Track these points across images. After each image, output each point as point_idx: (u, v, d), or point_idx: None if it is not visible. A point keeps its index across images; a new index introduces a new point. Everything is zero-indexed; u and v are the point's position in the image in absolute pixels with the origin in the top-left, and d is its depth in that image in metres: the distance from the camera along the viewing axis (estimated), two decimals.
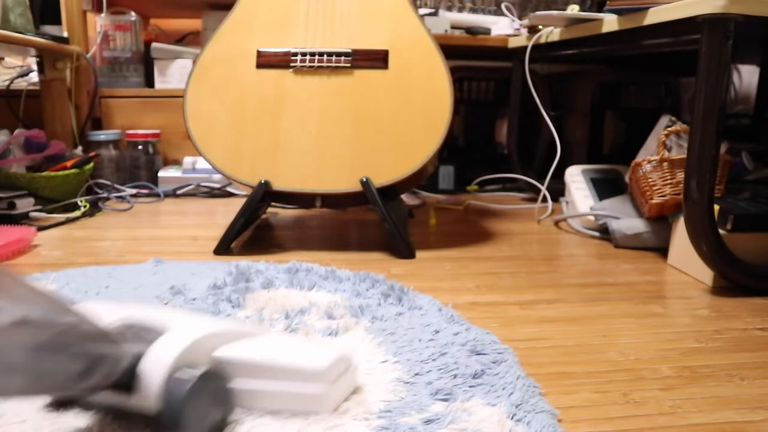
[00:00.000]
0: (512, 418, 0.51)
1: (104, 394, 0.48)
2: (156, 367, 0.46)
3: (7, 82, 1.67)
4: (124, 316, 0.51)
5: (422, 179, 1.13)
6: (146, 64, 1.75)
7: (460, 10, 1.89)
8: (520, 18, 1.76)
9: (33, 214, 1.26)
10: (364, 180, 1.03)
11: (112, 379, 0.45)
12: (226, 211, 1.39)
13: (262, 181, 1.03)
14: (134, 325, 0.50)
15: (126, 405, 0.48)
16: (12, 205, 1.22)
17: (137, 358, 0.47)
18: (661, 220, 1.11)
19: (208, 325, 0.51)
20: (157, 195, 1.55)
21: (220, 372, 0.49)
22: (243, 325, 0.56)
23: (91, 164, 1.42)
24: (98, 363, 0.44)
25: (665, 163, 1.06)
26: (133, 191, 1.55)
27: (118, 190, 1.53)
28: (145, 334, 0.49)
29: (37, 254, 1.01)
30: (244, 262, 0.94)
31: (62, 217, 1.28)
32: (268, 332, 0.58)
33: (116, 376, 0.46)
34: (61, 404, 0.52)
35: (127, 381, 0.47)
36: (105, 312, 0.51)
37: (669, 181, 1.05)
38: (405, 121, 1.04)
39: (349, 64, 1.06)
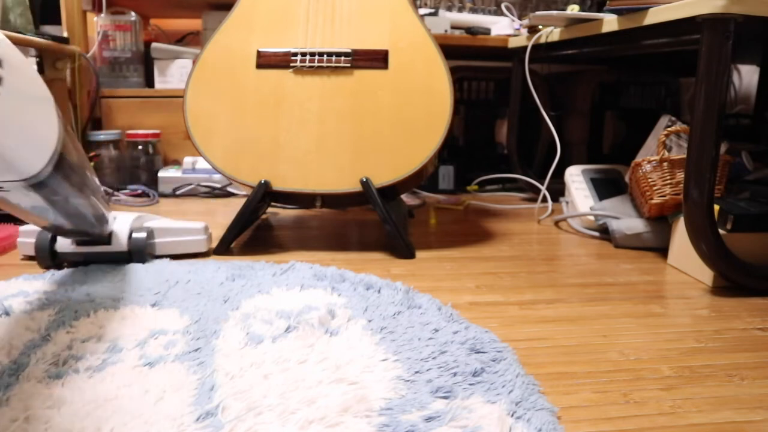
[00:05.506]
0: (512, 415, 0.51)
1: (94, 248, 0.91)
2: (123, 228, 0.92)
3: None
4: None
5: (422, 179, 1.13)
6: (146, 64, 1.75)
7: (460, 10, 1.90)
8: (520, 18, 1.76)
9: None
10: (364, 180, 1.03)
11: (107, 232, 0.89)
12: (226, 211, 1.39)
13: (262, 181, 1.03)
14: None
15: (109, 250, 0.91)
16: None
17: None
18: (661, 220, 1.11)
19: (135, 214, 0.96)
20: (148, 195, 1.54)
21: (151, 233, 0.95)
22: (151, 215, 1.01)
23: (91, 164, 1.42)
24: (104, 219, 0.85)
25: (665, 163, 1.06)
26: (129, 195, 1.55)
27: (115, 193, 1.53)
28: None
29: None
30: (243, 261, 0.94)
31: None
32: (162, 217, 1.03)
33: (108, 231, 0.90)
34: (59, 265, 0.92)
35: (108, 238, 0.91)
36: None
37: (669, 181, 1.05)
38: (405, 121, 1.04)
39: (349, 64, 1.06)
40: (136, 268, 0.89)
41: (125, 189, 1.56)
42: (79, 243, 0.91)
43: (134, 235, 0.92)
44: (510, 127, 1.64)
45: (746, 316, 0.79)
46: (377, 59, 1.06)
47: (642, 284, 0.92)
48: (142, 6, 1.74)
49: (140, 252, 0.92)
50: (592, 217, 1.21)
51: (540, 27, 1.36)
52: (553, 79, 1.84)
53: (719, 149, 0.85)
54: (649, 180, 1.08)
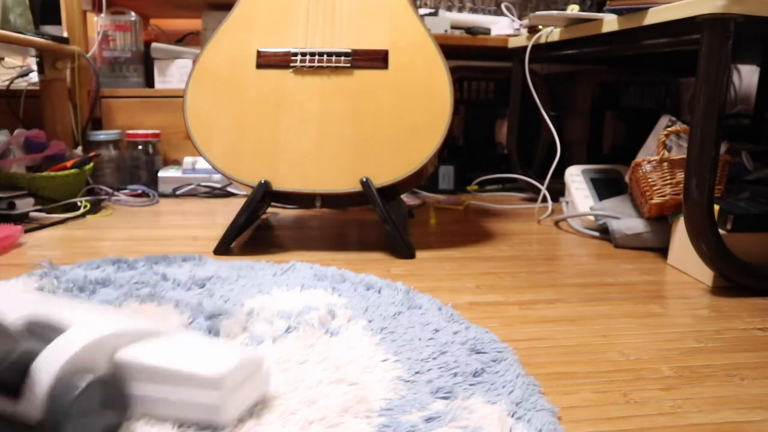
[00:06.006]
0: (512, 415, 0.51)
1: None
2: (47, 368, 0.42)
3: (7, 82, 1.67)
4: (32, 312, 0.48)
5: (422, 179, 1.13)
6: (146, 64, 1.75)
7: (460, 10, 1.90)
8: (520, 18, 1.76)
9: (33, 215, 1.26)
10: (364, 180, 1.03)
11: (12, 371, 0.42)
12: (226, 211, 1.39)
13: (262, 181, 1.03)
14: (38, 322, 0.47)
15: (7, 411, 0.43)
16: (12, 206, 1.22)
17: (30, 355, 0.43)
18: (661, 220, 1.11)
19: (111, 325, 0.48)
20: (148, 195, 1.54)
21: (116, 376, 0.45)
22: (154, 323, 0.53)
23: (91, 164, 1.42)
24: None
25: (665, 163, 1.06)
26: (129, 195, 1.55)
27: (115, 194, 1.53)
28: (47, 333, 0.45)
29: (22, 254, 1.01)
30: (243, 261, 0.94)
31: (58, 216, 1.28)
32: (178, 331, 0.54)
33: (1, 370, 0.42)
34: None
35: (17, 382, 0.43)
36: (12, 306, 0.49)
37: (669, 181, 1.05)
38: (405, 121, 1.04)
39: (349, 64, 1.06)
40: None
41: (125, 189, 1.56)
42: None
43: (56, 391, 0.42)
44: (510, 127, 1.64)
45: (746, 316, 0.79)
46: (377, 59, 1.06)
47: (642, 284, 0.92)
48: (142, 6, 1.74)
49: (55, 422, 0.41)
50: (592, 217, 1.21)
51: (540, 27, 1.36)
52: (553, 79, 1.84)
53: (719, 149, 0.84)
54: (649, 180, 1.08)
